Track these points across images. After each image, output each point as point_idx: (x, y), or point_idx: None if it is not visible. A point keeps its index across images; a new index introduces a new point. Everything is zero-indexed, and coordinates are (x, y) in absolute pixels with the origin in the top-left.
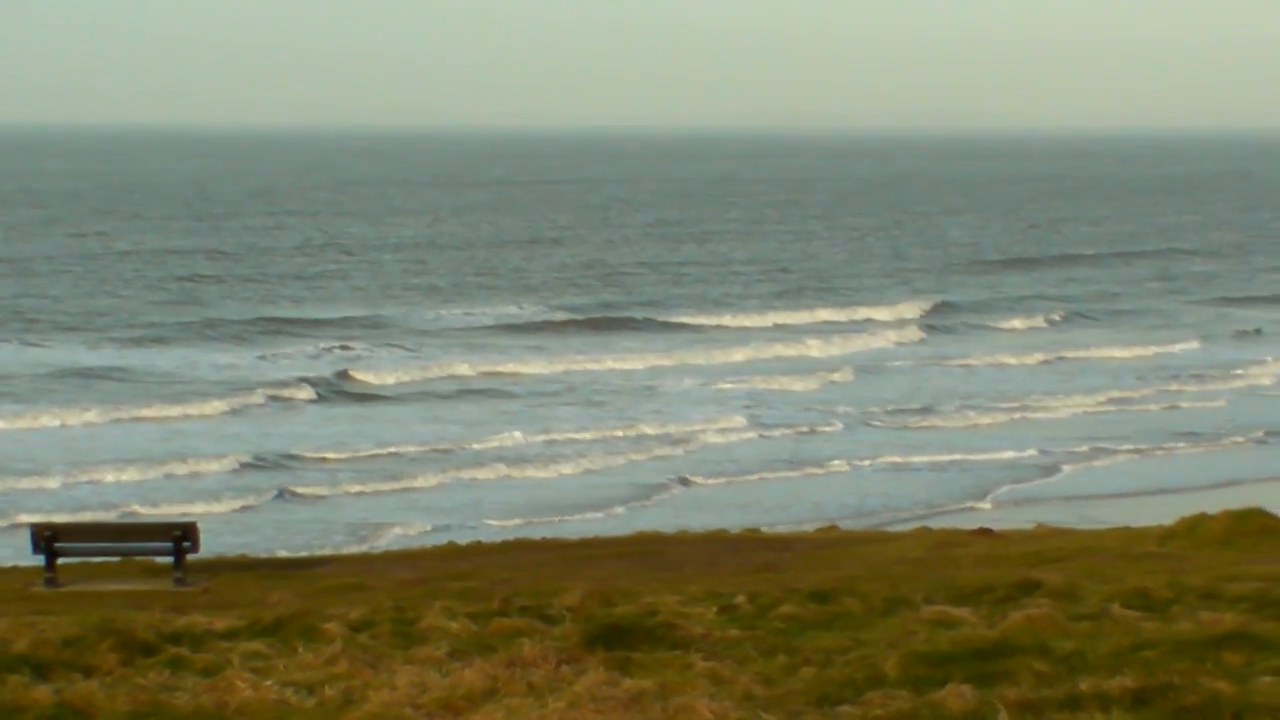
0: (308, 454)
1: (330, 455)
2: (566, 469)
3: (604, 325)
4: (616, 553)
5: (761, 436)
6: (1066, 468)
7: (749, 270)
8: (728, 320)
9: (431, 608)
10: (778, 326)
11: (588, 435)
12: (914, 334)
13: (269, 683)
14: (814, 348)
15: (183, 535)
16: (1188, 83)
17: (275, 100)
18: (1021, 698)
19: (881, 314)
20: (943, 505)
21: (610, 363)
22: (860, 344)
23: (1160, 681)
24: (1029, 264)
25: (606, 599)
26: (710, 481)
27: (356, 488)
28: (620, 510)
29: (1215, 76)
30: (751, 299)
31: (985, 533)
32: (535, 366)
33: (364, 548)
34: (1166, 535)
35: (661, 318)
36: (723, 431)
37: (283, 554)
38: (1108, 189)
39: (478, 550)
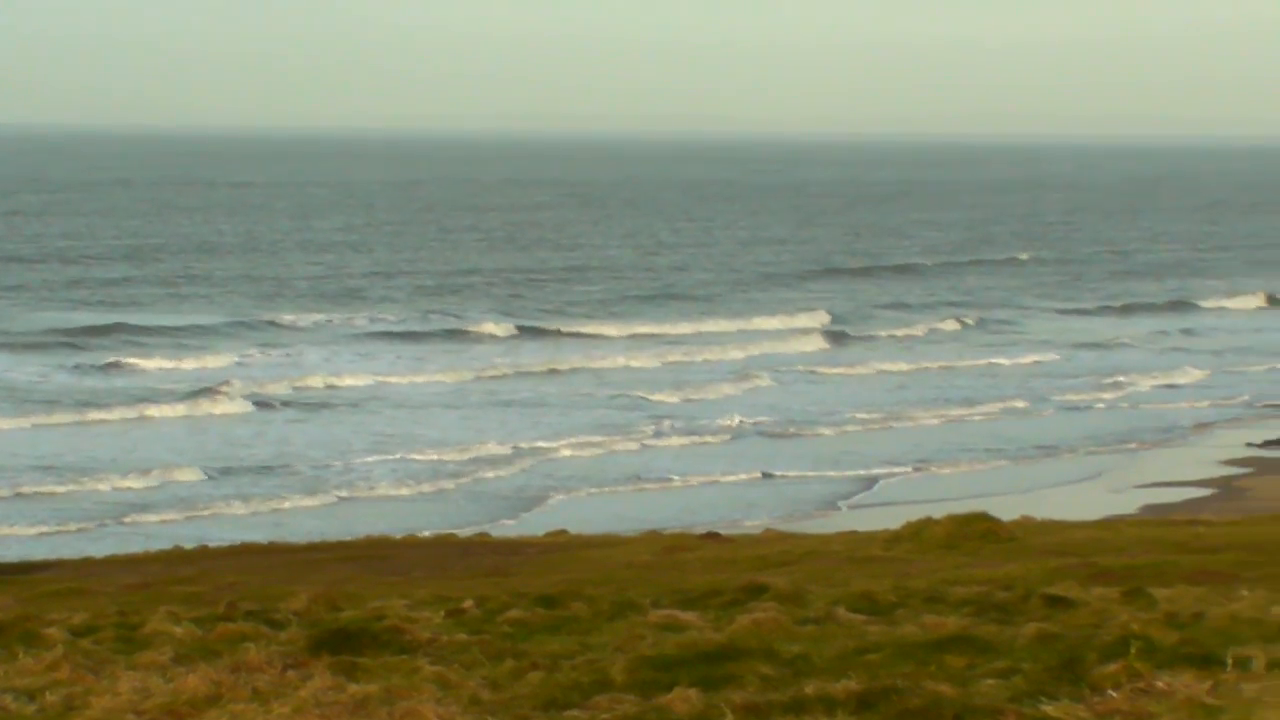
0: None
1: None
2: (424, 487)
3: (457, 335)
4: (344, 556)
5: (644, 447)
6: (898, 476)
7: (605, 275)
8: (608, 329)
9: (155, 612)
10: (651, 336)
11: (434, 455)
12: (813, 344)
13: None
14: (704, 356)
15: None
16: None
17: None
18: (747, 701)
19: (774, 323)
20: (800, 513)
21: (462, 373)
22: (756, 351)
23: (884, 684)
24: (880, 273)
25: (333, 603)
26: (574, 495)
27: (241, 507)
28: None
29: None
30: (619, 305)
31: (713, 537)
32: (401, 376)
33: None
34: (892, 539)
35: (532, 324)
36: (582, 446)
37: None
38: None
39: (203, 555)
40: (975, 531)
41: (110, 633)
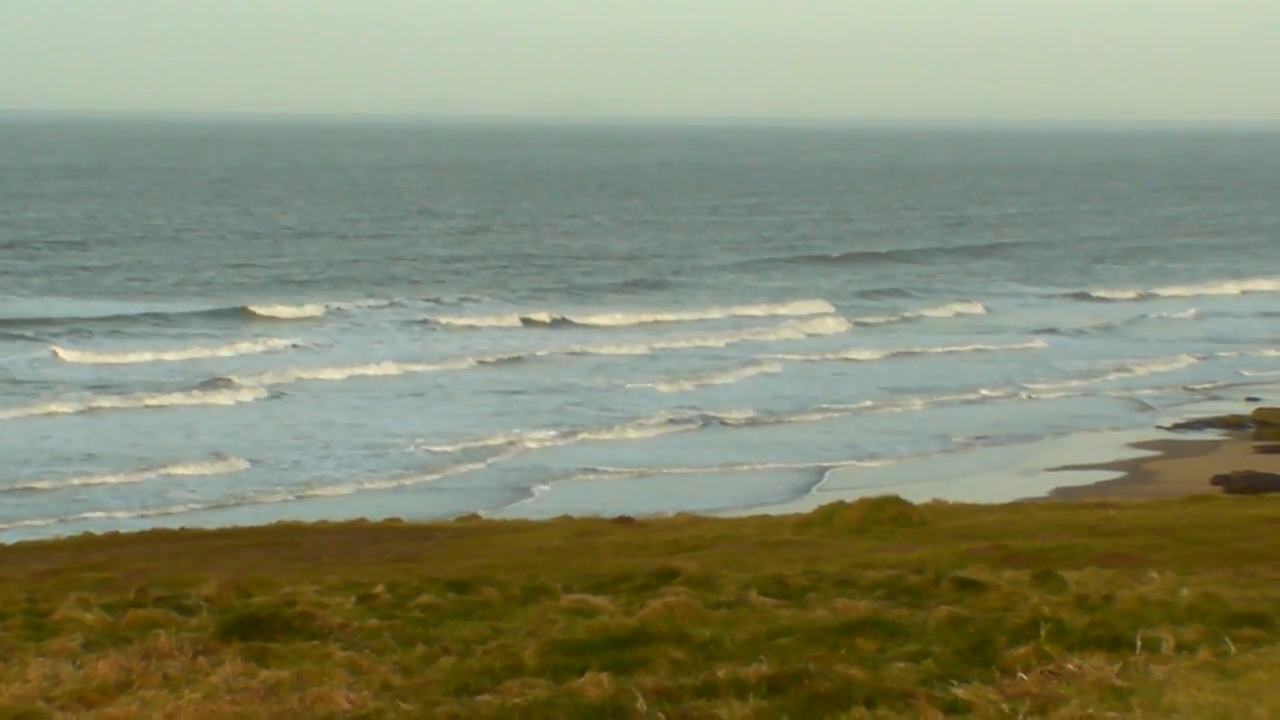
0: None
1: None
2: (405, 479)
3: (446, 324)
4: (254, 543)
5: (623, 439)
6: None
7: (567, 260)
8: (602, 318)
9: (65, 599)
10: (655, 323)
11: (428, 446)
12: (815, 329)
13: None
14: (700, 343)
15: None
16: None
17: None
18: (659, 685)
19: (783, 310)
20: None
21: (460, 361)
22: (760, 337)
23: (795, 668)
24: (862, 260)
25: (243, 589)
26: (560, 483)
27: (283, 495)
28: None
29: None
30: (601, 292)
31: (625, 521)
32: (389, 366)
33: None
34: (804, 523)
35: (530, 312)
36: (569, 434)
37: None
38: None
39: (114, 541)
40: (886, 515)
41: (20, 619)
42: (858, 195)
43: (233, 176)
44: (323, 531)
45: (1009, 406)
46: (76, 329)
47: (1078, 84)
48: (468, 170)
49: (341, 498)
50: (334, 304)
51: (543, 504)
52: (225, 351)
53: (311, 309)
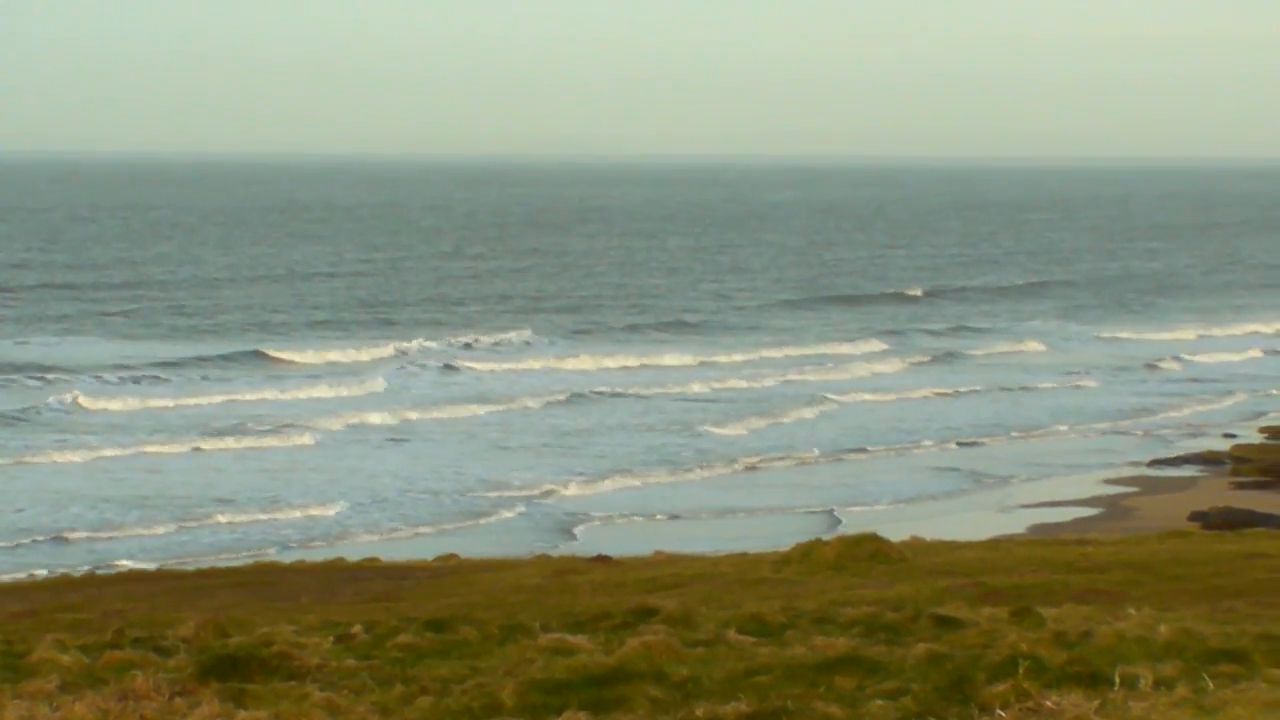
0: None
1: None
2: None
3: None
4: (232, 583)
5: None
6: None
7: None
8: (656, 359)
9: (42, 640)
10: (707, 364)
11: (474, 491)
12: (865, 370)
13: None
14: (746, 384)
15: None
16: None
17: None
18: None
19: (842, 350)
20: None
21: (517, 402)
22: (813, 378)
23: (773, 706)
24: (885, 300)
25: (221, 630)
26: (596, 525)
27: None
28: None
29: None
30: (634, 333)
31: (603, 560)
32: (440, 410)
33: None
34: (781, 561)
35: (587, 352)
36: (588, 482)
37: None
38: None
39: (90, 582)
40: (864, 552)
41: None
42: (866, 233)
43: (229, 216)
44: (300, 571)
45: (1042, 445)
46: (92, 374)
47: (1076, 121)
48: (461, 208)
49: (388, 541)
50: (370, 346)
51: (586, 547)
52: (252, 395)
53: (353, 353)
